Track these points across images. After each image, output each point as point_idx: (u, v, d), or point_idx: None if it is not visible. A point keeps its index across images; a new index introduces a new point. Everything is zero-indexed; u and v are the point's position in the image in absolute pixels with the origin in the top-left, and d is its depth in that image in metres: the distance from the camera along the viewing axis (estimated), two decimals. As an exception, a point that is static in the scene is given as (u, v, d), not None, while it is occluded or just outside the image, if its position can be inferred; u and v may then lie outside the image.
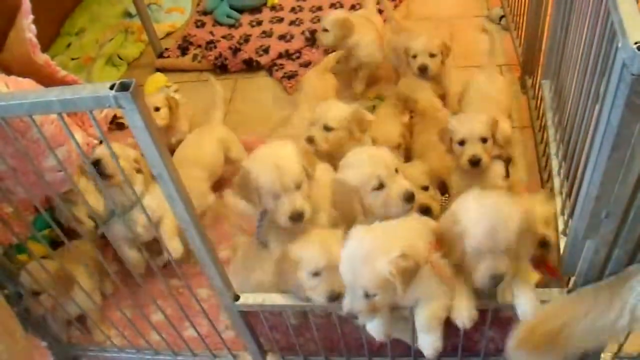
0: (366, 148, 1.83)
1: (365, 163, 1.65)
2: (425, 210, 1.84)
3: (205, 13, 3.65)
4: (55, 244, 2.04)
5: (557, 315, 1.35)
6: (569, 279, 1.50)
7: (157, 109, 2.51)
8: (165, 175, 1.25)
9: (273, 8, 3.62)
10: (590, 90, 1.51)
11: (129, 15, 3.69)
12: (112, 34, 3.56)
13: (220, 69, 3.20)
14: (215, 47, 3.30)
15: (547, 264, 1.62)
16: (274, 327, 1.94)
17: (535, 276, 1.58)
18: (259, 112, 2.92)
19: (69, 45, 3.56)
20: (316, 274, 1.53)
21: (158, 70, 3.27)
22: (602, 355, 1.65)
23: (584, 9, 1.63)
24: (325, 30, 2.76)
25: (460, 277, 1.48)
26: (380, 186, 1.61)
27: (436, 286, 1.43)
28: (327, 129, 2.06)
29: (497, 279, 1.39)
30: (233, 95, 3.07)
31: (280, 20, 3.51)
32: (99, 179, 1.60)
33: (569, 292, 1.46)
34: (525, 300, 1.43)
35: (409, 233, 1.44)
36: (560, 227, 1.66)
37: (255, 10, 3.62)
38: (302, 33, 3.33)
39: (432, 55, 2.48)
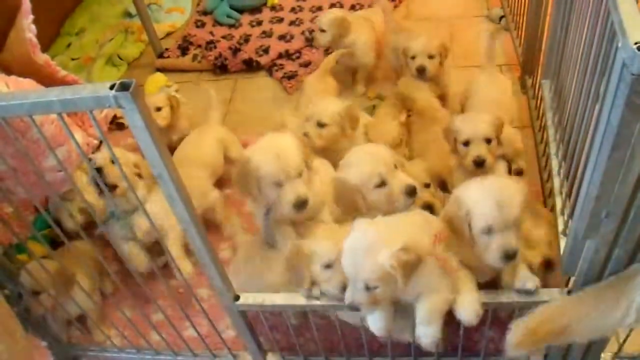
0: (365, 146, 1.85)
1: (365, 161, 1.67)
2: (428, 208, 1.85)
3: (205, 13, 3.65)
4: (55, 243, 2.04)
5: (560, 315, 1.35)
6: (569, 278, 1.50)
7: (158, 109, 2.51)
8: (166, 175, 1.25)
9: (273, 8, 3.62)
10: (590, 90, 1.51)
11: (129, 15, 3.70)
12: (112, 34, 3.56)
13: (220, 69, 3.20)
14: (215, 47, 3.30)
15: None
16: (274, 327, 1.94)
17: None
18: (258, 112, 2.92)
19: (69, 45, 3.56)
20: (328, 266, 1.55)
21: (158, 70, 3.27)
22: (602, 355, 1.65)
23: (584, 8, 1.63)
24: (322, 30, 2.77)
25: (465, 271, 1.50)
26: (382, 183, 1.64)
27: (438, 280, 1.45)
28: (321, 125, 2.09)
29: (510, 255, 1.42)
30: (233, 95, 3.07)
31: (280, 20, 3.51)
32: (104, 187, 1.59)
33: (569, 292, 1.46)
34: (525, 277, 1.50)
35: (411, 227, 1.46)
36: (560, 227, 1.66)
37: (255, 10, 3.62)
38: (302, 33, 3.33)
39: (430, 57, 2.48)
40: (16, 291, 1.80)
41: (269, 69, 3.17)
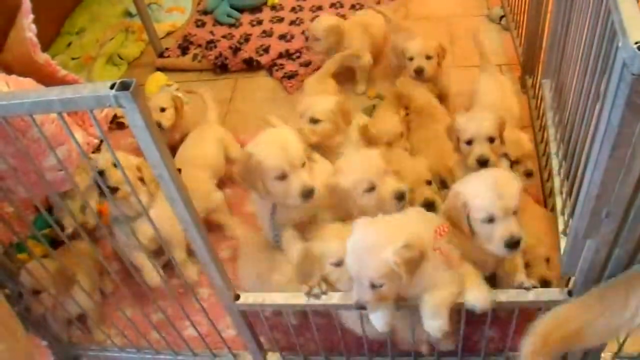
0: (357, 152, 1.88)
1: (355, 167, 1.70)
2: (429, 205, 1.85)
3: (205, 12, 3.65)
4: (55, 243, 2.04)
5: (569, 319, 1.34)
6: (569, 278, 1.50)
7: (163, 110, 2.51)
8: (166, 175, 1.25)
9: (273, 8, 3.62)
10: (590, 90, 1.51)
11: (129, 14, 3.70)
12: (113, 34, 3.56)
13: (221, 68, 3.20)
14: (215, 46, 3.30)
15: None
16: (274, 327, 1.94)
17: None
18: (259, 111, 2.91)
19: (69, 44, 3.56)
20: (338, 264, 1.57)
21: (158, 69, 3.27)
22: (602, 355, 1.65)
23: (584, 8, 1.63)
24: (317, 39, 2.80)
25: (468, 264, 1.52)
26: (371, 188, 1.66)
27: (442, 274, 1.46)
28: (314, 121, 2.10)
29: (514, 243, 1.45)
30: (233, 94, 3.07)
31: (281, 19, 3.51)
32: (107, 191, 1.58)
33: (569, 292, 1.47)
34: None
35: (412, 224, 1.47)
36: (561, 226, 1.66)
37: (256, 9, 3.62)
38: (303, 33, 3.33)
39: (428, 58, 2.48)
40: (16, 290, 1.80)
41: (269, 69, 3.17)
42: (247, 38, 3.38)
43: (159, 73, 3.21)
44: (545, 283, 1.65)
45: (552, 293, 1.52)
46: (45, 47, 2.97)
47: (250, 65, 3.19)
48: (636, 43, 0.96)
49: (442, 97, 2.54)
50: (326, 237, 1.65)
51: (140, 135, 1.18)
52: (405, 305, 1.50)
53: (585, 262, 1.34)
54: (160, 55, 3.34)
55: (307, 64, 3.11)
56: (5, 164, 1.51)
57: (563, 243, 1.56)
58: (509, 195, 1.45)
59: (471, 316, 1.54)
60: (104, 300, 2.16)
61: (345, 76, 2.92)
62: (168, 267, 2.11)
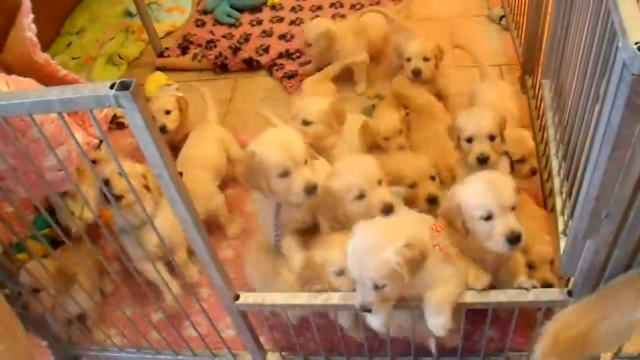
0: (353, 158, 1.87)
1: (348, 172, 1.70)
2: (433, 201, 1.85)
3: (205, 12, 3.65)
4: (55, 243, 2.04)
5: (578, 320, 1.33)
6: (569, 279, 1.50)
7: (167, 112, 2.50)
8: (166, 175, 1.25)
9: (273, 7, 3.62)
10: (590, 90, 1.51)
11: (129, 14, 3.70)
12: (113, 33, 3.56)
13: (221, 68, 3.20)
14: (215, 46, 3.30)
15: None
16: (274, 327, 1.94)
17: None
18: (259, 111, 2.91)
19: (69, 44, 3.56)
20: (340, 273, 1.59)
21: (158, 69, 3.27)
22: (602, 355, 1.65)
23: (584, 8, 1.63)
24: (309, 44, 2.80)
25: (467, 261, 1.53)
26: (361, 196, 1.66)
27: (445, 271, 1.47)
28: (306, 123, 2.10)
29: (515, 238, 1.45)
30: (233, 94, 3.07)
31: (281, 19, 3.51)
32: (112, 199, 1.58)
33: (569, 292, 1.47)
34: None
35: (411, 224, 1.49)
36: (560, 227, 1.66)
37: (256, 9, 3.62)
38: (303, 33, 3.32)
39: (425, 59, 2.48)
40: (16, 290, 1.80)
41: (269, 69, 3.17)
42: (247, 38, 3.38)
43: (158, 73, 3.21)
44: (546, 287, 1.64)
45: (552, 293, 1.52)
46: (45, 47, 2.97)
47: (250, 65, 3.19)
48: (636, 43, 0.96)
49: (441, 98, 2.53)
50: (327, 246, 1.66)
51: (140, 135, 1.18)
52: (406, 306, 1.50)
53: (584, 263, 1.34)
54: (160, 55, 3.34)
55: (307, 64, 3.11)
56: (5, 164, 1.51)
57: (562, 243, 1.56)
58: (505, 191, 1.47)
59: (471, 314, 1.55)
60: (104, 300, 2.16)
61: (345, 77, 2.92)
62: (168, 267, 2.11)
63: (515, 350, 1.79)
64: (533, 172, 2.00)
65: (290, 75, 3.07)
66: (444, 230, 1.51)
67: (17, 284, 1.79)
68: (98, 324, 2.03)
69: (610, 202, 1.18)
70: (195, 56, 3.31)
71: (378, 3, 3.41)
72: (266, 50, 3.25)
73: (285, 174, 1.63)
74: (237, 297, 1.63)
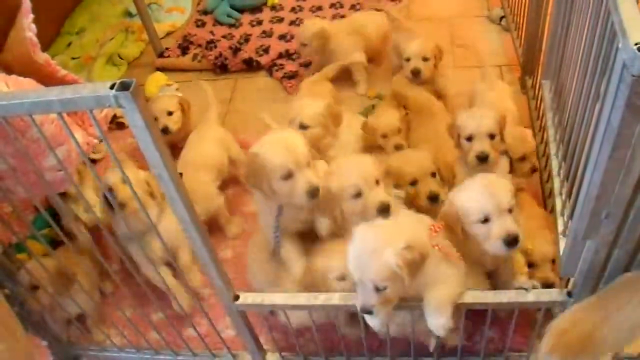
0: (351, 157, 1.88)
1: (346, 171, 1.70)
2: (434, 198, 1.85)
3: (205, 12, 3.65)
4: (55, 243, 2.03)
5: (586, 316, 1.33)
6: (568, 279, 1.50)
7: (170, 113, 2.50)
8: (166, 175, 1.25)
9: (273, 8, 3.62)
10: (590, 91, 1.51)
11: (129, 14, 3.70)
12: (113, 34, 3.56)
13: (221, 68, 3.20)
14: (215, 46, 3.30)
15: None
16: (274, 327, 1.94)
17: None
18: (259, 112, 2.90)
19: (69, 44, 3.56)
20: (341, 278, 1.60)
21: (158, 69, 3.27)
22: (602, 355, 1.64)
23: (585, 9, 1.63)
24: (304, 44, 2.81)
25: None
26: (358, 195, 1.66)
27: (445, 271, 1.48)
28: (303, 127, 2.10)
29: (511, 240, 1.47)
30: (233, 95, 3.07)
31: (281, 20, 3.51)
32: (116, 207, 1.58)
33: (568, 293, 1.47)
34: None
35: (410, 226, 1.49)
36: (560, 227, 1.66)
37: (256, 9, 3.62)
38: (303, 33, 3.32)
39: (425, 59, 2.48)
40: (15, 288, 1.80)
41: (269, 69, 3.17)
42: (247, 38, 3.38)
43: (158, 73, 3.21)
44: (547, 286, 1.65)
45: (552, 294, 1.52)
46: (45, 47, 2.97)
47: (250, 66, 3.19)
48: (636, 44, 0.96)
49: (440, 98, 2.54)
50: (327, 254, 1.67)
51: (140, 135, 1.18)
52: (406, 306, 1.50)
53: (584, 263, 1.34)
54: (160, 55, 3.34)
55: (307, 64, 3.11)
56: (5, 164, 1.51)
57: (562, 244, 1.56)
58: (502, 194, 1.49)
59: (471, 315, 1.55)
60: (104, 300, 2.16)
61: (345, 77, 2.92)
62: (174, 272, 2.11)
63: (515, 350, 1.79)
64: (534, 170, 2.01)
65: (291, 76, 3.07)
66: (442, 230, 1.52)
67: (16, 284, 1.79)
68: (98, 324, 2.03)
69: (611, 202, 1.18)
70: (195, 56, 3.31)
71: (378, 3, 3.40)
72: (266, 50, 3.25)
73: (288, 176, 1.63)
74: (236, 298, 1.63)
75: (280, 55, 3.20)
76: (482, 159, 1.86)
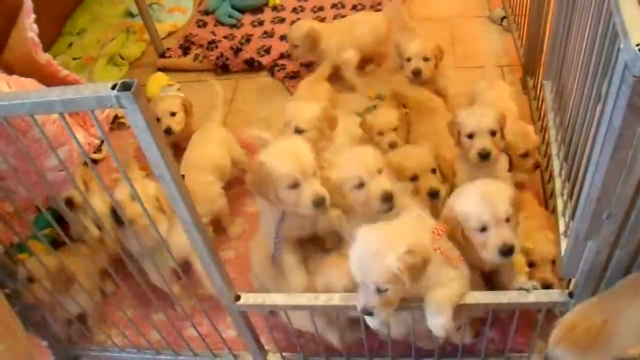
0: (353, 148, 1.87)
1: (348, 162, 1.70)
2: (434, 194, 1.85)
3: (206, 13, 3.65)
4: (56, 243, 2.03)
5: (596, 311, 1.33)
6: (570, 280, 1.50)
7: (173, 114, 2.50)
8: (167, 175, 1.25)
9: (275, 8, 3.62)
10: (591, 92, 1.51)
11: (130, 14, 3.70)
12: (114, 34, 3.56)
13: (222, 69, 3.21)
14: (216, 47, 3.30)
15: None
16: (275, 327, 1.94)
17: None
18: (260, 112, 2.92)
19: (70, 44, 3.56)
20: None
21: (160, 70, 3.27)
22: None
23: (586, 9, 1.63)
24: (295, 46, 2.82)
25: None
26: (361, 185, 1.66)
27: (446, 273, 1.48)
28: (299, 130, 2.09)
29: (507, 250, 1.48)
30: (234, 95, 3.07)
31: (282, 20, 3.51)
32: (126, 222, 1.56)
33: (570, 293, 1.47)
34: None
35: (413, 229, 1.49)
36: (562, 228, 1.66)
37: (257, 10, 3.62)
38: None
39: (425, 59, 2.48)
40: (14, 286, 1.80)
41: (271, 69, 3.17)
42: (248, 38, 3.38)
43: (160, 73, 3.21)
44: (546, 287, 1.65)
45: (553, 294, 1.52)
46: (46, 48, 2.96)
47: (252, 66, 3.19)
48: (637, 45, 0.96)
49: (440, 98, 2.53)
50: (326, 270, 1.69)
51: (141, 136, 1.18)
52: (407, 306, 1.50)
53: (586, 264, 1.34)
54: (162, 56, 3.34)
55: (308, 65, 3.11)
56: (6, 164, 1.52)
57: (564, 244, 1.55)
58: (500, 204, 1.49)
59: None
60: (105, 300, 2.16)
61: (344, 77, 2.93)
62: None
63: (515, 351, 1.79)
64: (536, 167, 2.01)
65: (292, 76, 3.07)
66: (445, 232, 1.52)
67: (14, 279, 1.79)
68: (99, 324, 2.03)
69: (612, 203, 1.18)
70: (196, 57, 3.31)
71: (379, 3, 3.40)
72: (267, 51, 3.25)
73: (294, 185, 1.62)
74: (237, 298, 1.63)
75: (281, 56, 3.20)
76: (484, 156, 1.86)
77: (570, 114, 1.79)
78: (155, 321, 1.89)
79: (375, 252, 1.39)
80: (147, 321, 1.87)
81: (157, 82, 3.13)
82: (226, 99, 3.01)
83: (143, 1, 3.12)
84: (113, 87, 1.10)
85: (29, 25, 2.35)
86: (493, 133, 1.87)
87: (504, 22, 3.14)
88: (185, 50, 3.36)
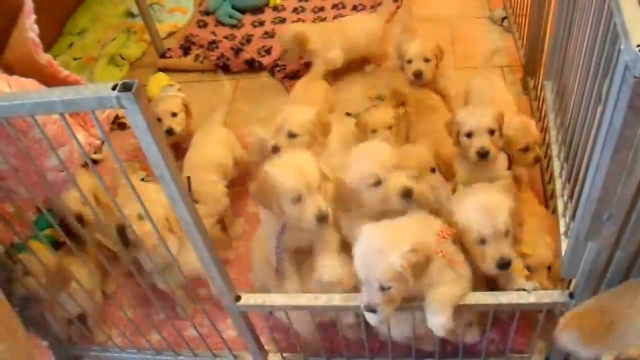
0: (366, 144, 1.84)
1: (363, 160, 1.68)
2: None
3: (207, 13, 3.65)
4: (57, 244, 2.03)
5: (604, 304, 1.32)
6: (570, 281, 1.50)
7: (174, 115, 2.50)
8: (167, 176, 1.25)
9: (275, 8, 3.62)
10: (592, 92, 1.51)
11: (131, 15, 3.70)
12: (115, 34, 3.56)
13: (222, 69, 3.21)
14: (217, 47, 3.30)
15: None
16: (275, 328, 1.94)
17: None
18: (260, 112, 2.92)
19: (71, 45, 3.56)
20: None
21: (160, 70, 3.27)
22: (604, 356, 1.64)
23: (587, 10, 1.63)
24: (285, 50, 2.85)
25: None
26: (378, 182, 1.63)
27: (448, 274, 1.49)
28: (292, 135, 2.08)
29: (504, 264, 1.50)
30: (235, 95, 3.07)
31: (283, 20, 3.51)
32: (135, 238, 1.57)
33: (570, 294, 1.47)
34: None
35: (417, 228, 1.49)
36: (562, 229, 1.66)
37: (258, 10, 3.62)
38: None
39: (426, 60, 2.48)
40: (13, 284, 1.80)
41: (271, 69, 3.17)
42: (248, 39, 3.38)
43: (160, 74, 3.21)
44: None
45: (554, 295, 1.52)
46: (47, 48, 2.97)
47: (252, 66, 3.19)
48: (638, 46, 0.96)
49: (441, 99, 2.53)
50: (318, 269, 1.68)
51: (142, 136, 1.18)
52: (407, 307, 1.50)
53: (586, 265, 1.34)
54: (162, 56, 3.34)
55: (308, 65, 3.11)
56: (7, 164, 1.52)
57: (564, 245, 1.55)
58: (499, 216, 1.51)
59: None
60: (106, 300, 2.17)
61: (345, 77, 2.92)
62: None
63: (516, 351, 1.79)
64: (537, 161, 2.01)
65: (292, 76, 3.07)
66: (451, 236, 1.52)
67: (10, 270, 1.79)
68: (99, 324, 2.03)
69: (613, 204, 1.18)
70: (197, 57, 3.31)
71: (379, 4, 3.40)
72: (268, 51, 3.25)
73: (298, 199, 1.60)
74: (238, 298, 1.63)
75: (282, 56, 3.20)
76: (483, 154, 1.86)
77: (571, 115, 1.79)
78: (155, 321, 1.89)
79: (379, 249, 1.40)
80: (147, 321, 1.87)
81: (158, 82, 3.13)
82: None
83: (144, 1, 3.12)
84: (114, 88, 1.10)
85: (29, 26, 2.35)
86: (492, 132, 1.88)
87: (505, 23, 3.14)
88: (186, 50, 3.37)
